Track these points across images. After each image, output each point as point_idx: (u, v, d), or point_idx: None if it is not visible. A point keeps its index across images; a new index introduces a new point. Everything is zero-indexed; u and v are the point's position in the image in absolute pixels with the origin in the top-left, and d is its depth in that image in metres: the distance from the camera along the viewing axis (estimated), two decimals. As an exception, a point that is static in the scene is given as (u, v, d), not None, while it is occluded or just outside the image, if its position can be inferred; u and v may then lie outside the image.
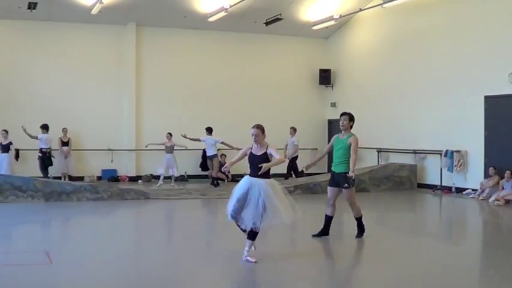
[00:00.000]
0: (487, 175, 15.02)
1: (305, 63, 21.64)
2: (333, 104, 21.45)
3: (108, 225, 11.49)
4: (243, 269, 7.38)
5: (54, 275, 7.03)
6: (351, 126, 9.08)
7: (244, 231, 7.61)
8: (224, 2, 17.67)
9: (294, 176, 17.98)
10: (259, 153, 7.66)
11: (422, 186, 17.17)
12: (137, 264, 7.79)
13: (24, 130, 16.78)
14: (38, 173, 17.03)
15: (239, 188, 7.60)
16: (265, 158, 7.60)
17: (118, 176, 19.22)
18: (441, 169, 16.36)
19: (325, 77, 21.52)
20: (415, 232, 10.81)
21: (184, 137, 17.46)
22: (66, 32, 18.83)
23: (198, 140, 17.57)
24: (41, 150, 17.29)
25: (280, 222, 7.53)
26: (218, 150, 18.02)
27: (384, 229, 11.09)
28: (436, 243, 9.81)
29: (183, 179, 19.12)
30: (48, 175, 17.07)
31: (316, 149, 20.85)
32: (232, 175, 18.26)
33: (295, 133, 18.49)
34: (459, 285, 6.87)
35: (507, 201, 13.85)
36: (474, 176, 15.60)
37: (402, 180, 16.96)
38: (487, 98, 15.26)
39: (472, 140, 15.61)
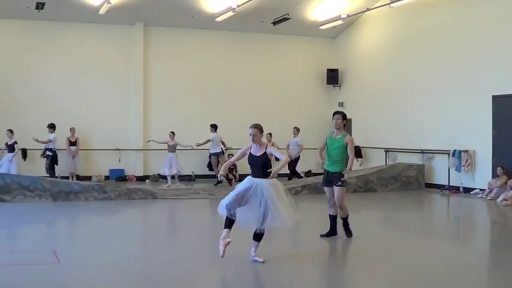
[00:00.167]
0: (495, 175, 14.95)
1: (312, 63, 21.60)
2: (341, 104, 21.39)
3: (115, 224, 11.51)
4: (248, 269, 7.37)
5: (62, 274, 7.06)
6: (344, 125, 9.10)
7: (231, 222, 7.44)
8: (231, 1, 17.66)
9: (296, 177, 17.92)
10: (259, 153, 7.59)
11: (430, 186, 17.11)
12: (144, 264, 7.80)
13: (37, 140, 16.79)
14: (45, 172, 17.00)
15: (241, 185, 7.61)
16: (265, 158, 7.53)
17: (125, 176, 19.26)
18: (449, 169, 16.31)
19: (332, 77, 21.50)
20: (422, 232, 10.77)
21: (197, 144, 17.55)
22: (74, 32, 18.87)
23: (209, 140, 17.66)
24: (50, 150, 17.29)
25: (281, 225, 7.45)
26: (226, 150, 18.04)
27: (392, 229, 11.08)
28: (444, 243, 9.77)
29: (190, 178, 19.14)
30: (56, 175, 17.10)
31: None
32: (240, 175, 18.27)
33: (298, 133, 18.45)
34: (467, 286, 6.84)
35: (515, 201, 13.79)
36: (482, 175, 15.53)
37: (410, 180, 16.91)
38: (494, 97, 15.19)
39: (480, 140, 15.55)
